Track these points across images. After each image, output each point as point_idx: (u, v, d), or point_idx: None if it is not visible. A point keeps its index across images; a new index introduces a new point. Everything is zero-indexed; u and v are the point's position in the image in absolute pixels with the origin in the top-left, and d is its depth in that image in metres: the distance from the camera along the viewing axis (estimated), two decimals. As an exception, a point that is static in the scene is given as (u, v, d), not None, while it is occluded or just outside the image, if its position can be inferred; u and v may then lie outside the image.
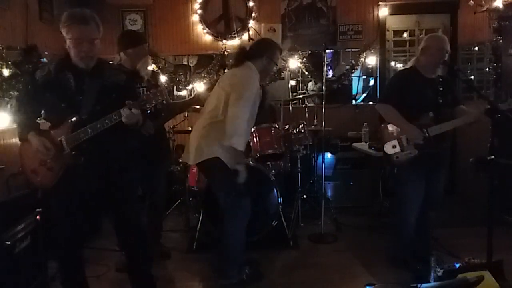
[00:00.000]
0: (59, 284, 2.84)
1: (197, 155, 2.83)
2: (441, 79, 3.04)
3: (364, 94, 5.36)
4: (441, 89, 2.99)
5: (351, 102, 5.24)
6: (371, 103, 5.14)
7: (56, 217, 2.36)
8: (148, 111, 2.31)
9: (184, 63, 5.11)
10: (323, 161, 3.93)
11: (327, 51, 4.44)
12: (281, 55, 3.05)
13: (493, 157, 2.39)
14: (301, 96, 4.88)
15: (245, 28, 4.95)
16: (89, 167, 2.24)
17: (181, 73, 4.96)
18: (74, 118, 2.20)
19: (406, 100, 2.93)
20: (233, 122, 2.68)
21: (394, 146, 2.98)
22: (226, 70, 4.84)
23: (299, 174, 4.11)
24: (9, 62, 3.31)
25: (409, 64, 3.17)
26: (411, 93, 2.95)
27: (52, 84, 2.23)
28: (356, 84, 5.32)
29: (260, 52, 2.90)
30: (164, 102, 2.18)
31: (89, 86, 2.24)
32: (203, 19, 4.98)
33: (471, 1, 4.40)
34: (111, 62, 2.85)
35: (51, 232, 2.39)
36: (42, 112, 2.35)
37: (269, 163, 3.81)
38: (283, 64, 4.97)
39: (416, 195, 3.00)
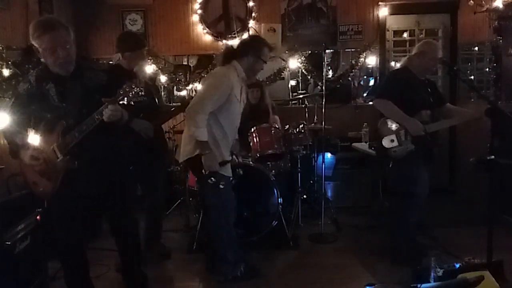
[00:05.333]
0: (59, 284, 2.85)
1: (180, 154, 2.95)
2: (427, 81, 3.19)
3: (365, 94, 5.36)
4: (429, 90, 3.14)
5: (351, 102, 5.23)
6: (371, 103, 5.13)
7: (57, 222, 2.38)
8: (131, 103, 2.24)
9: (184, 63, 5.11)
10: (323, 161, 3.93)
11: (327, 51, 4.44)
12: (271, 52, 3.01)
13: (493, 157, 2.39)
14: (301, 96, 4.88)
15: (245, 28, 4.95)
16: (84, 171, 2.25)
17: (181, 73, 4.96)
18: (62, 125, 2.21)
19: (405, 99, 3.03)
20: (189, 113, 2.72)
21: (392, 141, 3.08)
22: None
23: (299, 174, 4.10)
24: (9, 62, 3.32)
25: (401, 64, 3.29)
26: (409, 92, 3.05)
27: (35, 96, 2.23)
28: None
29: (246, 50, 2.89)
30: (142, 93, 2.16)
31: (71, 91, 2.23)
32: (203, 19, 4.98)
33: (471, 1, 4.40)
34: (86, 60, 2.80)
35: (53, 235, 2.40)
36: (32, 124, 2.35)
37: (269, 163, 3.81)
38: (283, 64, 4.97)
39: (423, 188, 3.09)
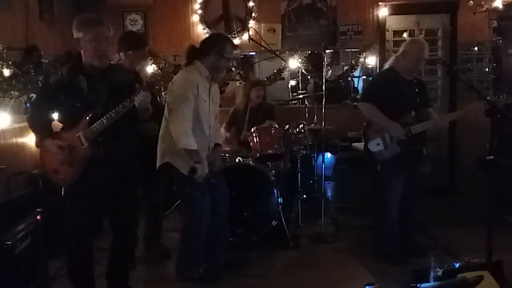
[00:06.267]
0: (59, 284, 2.85)
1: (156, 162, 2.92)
2: (415, 81, 3.17)
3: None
4: (417, 90, 3.12)
5: (351, 102, 5.23)
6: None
7: (72, 210, 2.43)
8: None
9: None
10: (323, 161, 3.93)
11: (327, 51, 4.44)
12: (234, 49, 2.97)
13: (492, 157, 2.39)
14: (301, 96, 4.88)
15: (245, 28, 4.95)
16: (106, 161, 2.33)
17: (181, 73, 4.96)
18: (90, 114, 2.29)
19: (389, 100, 3.04)
20: (173, 126, 2.70)
21: (377, 144, 3.09)
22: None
23: (299, 174, 4.10)
24: (10, 62, 3.32)
25: (388, 64, 3.28)
26: (394, 93, 3.06)
27: (66, 87, 2.32)
28: (356, 84, 5.32)
29: (208, 49, 2.81)
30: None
31: (101, 85, 2.34)
32: (203, 19, 4.98)
33: (471, 1, 4.40)
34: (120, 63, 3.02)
35: (64, 226, 2.44)
36: (57, 114, 2.45)
37: (269, 163, 3.81)
38: (283, 64, 4.97)
39: (398, 190, 3.13)
